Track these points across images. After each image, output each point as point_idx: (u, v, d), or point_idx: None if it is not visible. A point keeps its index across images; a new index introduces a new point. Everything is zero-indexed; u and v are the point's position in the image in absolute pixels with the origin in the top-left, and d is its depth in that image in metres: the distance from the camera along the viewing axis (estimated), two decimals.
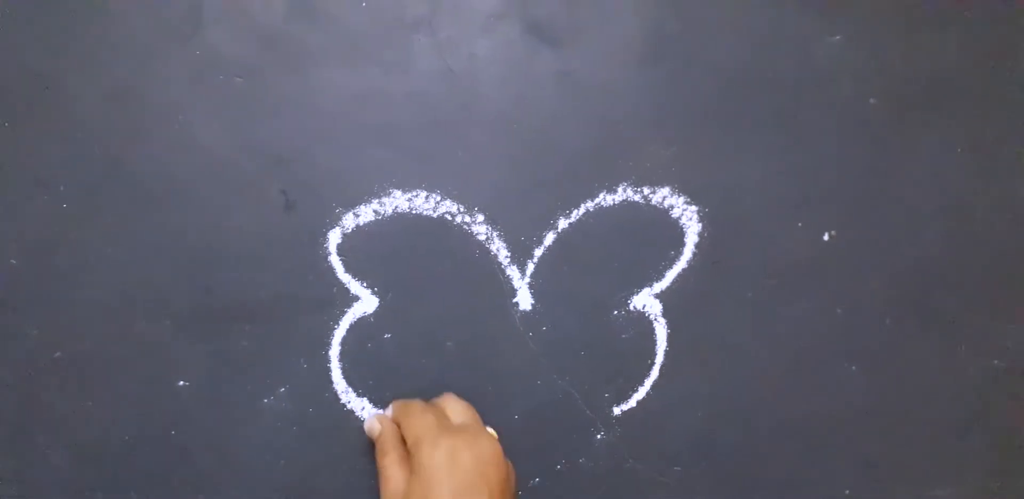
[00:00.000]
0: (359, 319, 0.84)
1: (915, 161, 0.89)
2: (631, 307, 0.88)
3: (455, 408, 0.76)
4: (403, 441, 0.74)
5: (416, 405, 0.76)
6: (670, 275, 0.88)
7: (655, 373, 0.88)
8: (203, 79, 0.81)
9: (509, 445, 0.80)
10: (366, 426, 0.80)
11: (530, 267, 0.86)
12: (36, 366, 0.82)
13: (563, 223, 0.87)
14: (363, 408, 0.82)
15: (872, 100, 0.87)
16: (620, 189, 0.87)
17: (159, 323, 0.82)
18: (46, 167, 0.81)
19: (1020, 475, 0.89)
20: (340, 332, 0.84)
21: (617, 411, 0.87)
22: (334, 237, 0.84)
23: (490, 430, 0.75)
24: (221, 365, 0.83)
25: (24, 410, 0.82)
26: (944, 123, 0.88)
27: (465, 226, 0.85)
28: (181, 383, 0.83)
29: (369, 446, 0.80)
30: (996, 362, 0.91)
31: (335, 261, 0.85)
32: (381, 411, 0.80)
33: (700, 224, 0.88)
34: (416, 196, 0.85)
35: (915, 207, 0.89)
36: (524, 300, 0.87)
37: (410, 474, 0.71)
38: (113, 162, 0.82)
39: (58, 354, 0.82)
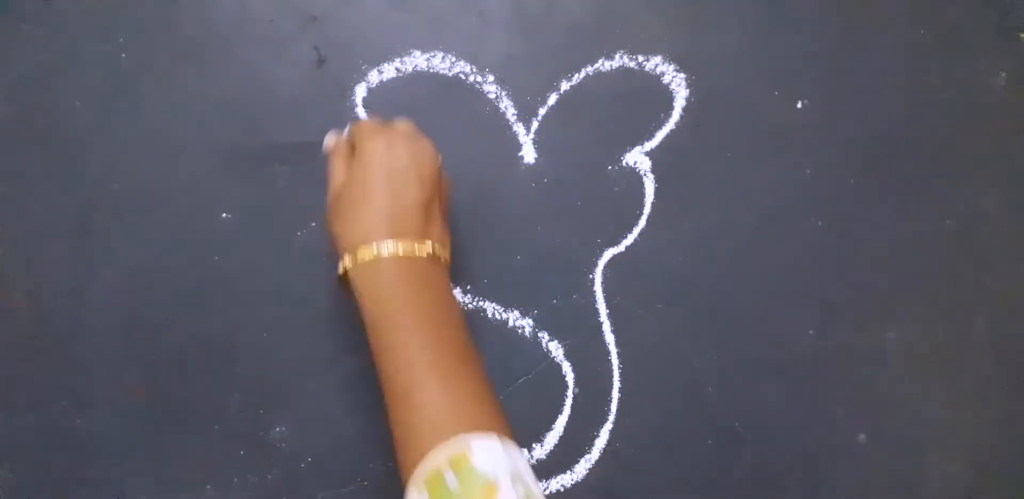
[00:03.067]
0: None
1: (883, 38, 0.98)
2: (623, 163, 0.97)
3: (401, 123, 0.77)
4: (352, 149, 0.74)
5: (366, 120, 0.78)
6: (659, 135, 0.97)
7: (643, 222, 0.97)
8: None
9: (511, 283, 0.94)
10: (324, 142, 0.81)
11: (534, 124, 0.95)
12: (95, 195, 0.93)
13: (565, 85, 0.95)
14: None
15: None
16: (617, 56, 0.96)
17: (206, 161, 0.93)
18: (105, 20, 0.92)
19: (962, 318, 1.00)
20: None
21: (608, 255, 0.96)
22: (360, 91, 0.93)
23: None
24: (260, 200, 0.93)
25: (83, 233, 0.93)
26: (912, 3, 0.98)
27: (477, 85, 0.94)
28: (224, 215, 0.92)
29: None
30: (948, 222, 0.99)
31: (361, 112, 0.94)
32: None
33: (688, 90, 0.97)
34: (434, 56, 0.94)
35: (881, 80, 0.98)
36: (528, 154, 0.96)
37: (349, 168, 0.72)
38: (164, 19, 0.92)
39: (116, 186, 0.92)
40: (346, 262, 0.69)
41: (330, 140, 0.81)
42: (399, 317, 0.69)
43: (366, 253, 0.70)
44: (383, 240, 0.70)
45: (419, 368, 0.68)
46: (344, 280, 0.73)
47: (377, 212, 0.70)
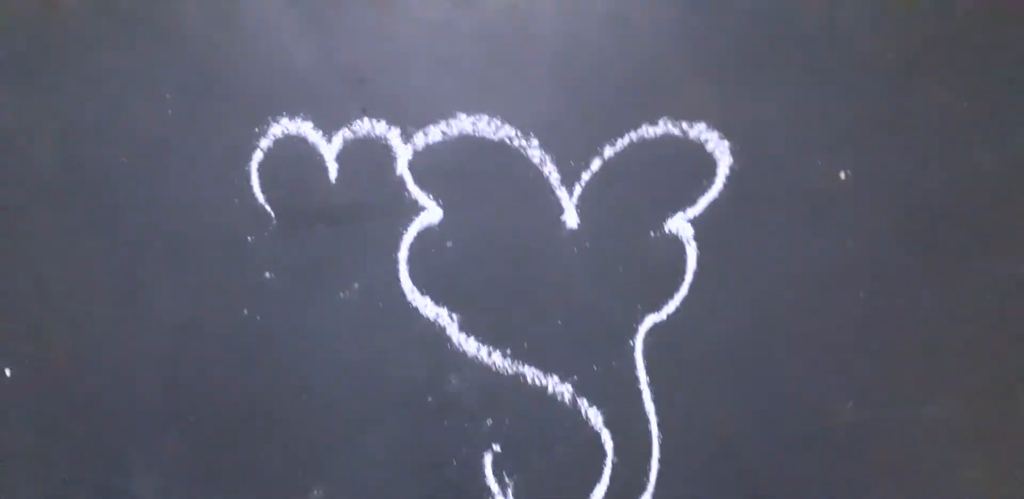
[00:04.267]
0: (425, 227, 0.93)
1: (924, 111, 0.97)
2: (666, 229, 0.96)
3: None
4: None
5: None
6: (702, 202, 0.96)
7: (685, 289, 0.96)
8: (297, 5, 0.91)
9: (552, 347, 0.93)
10: None
11: (578, 189, 0.95)
12: (139, 254, 0.94)
13: (609, 151, 0.95)
14: (426, 306, 0.91)
15: (889, 54, 0.95)
16: (661, 122, 0.95)
17: (250, 220, 0.93)
18: (155, 78, 0.91)
19: (1004, 391, 0.98)
20: (408, 238, 0.93)
21: (649, 321, 0.95)
22: (405, 153, 0.93)
23: None
24: (303, 261, 0.92)
25: (127, 291, 0.93)
26: (952, 77, 0.97)
27: (522, 149, 0.94)
28: (267, 274, 0.91)
29: (429, 339, 0.90)
30: (989, 294, 0.98)
31: (406, 175, 0.93)
32: (445, 310, 0.90)
33: (731, 157, 0.96)
34: (479, 120, 0.93)
35: (923, 150, 0.97)
36: (571, 218, 0.95)
37: None
38: (215, 76, 0.91)
39: (159, 244, 0.93)
40: None
41: None
42: None
43: None
44: None
45: None
46: None
47: None
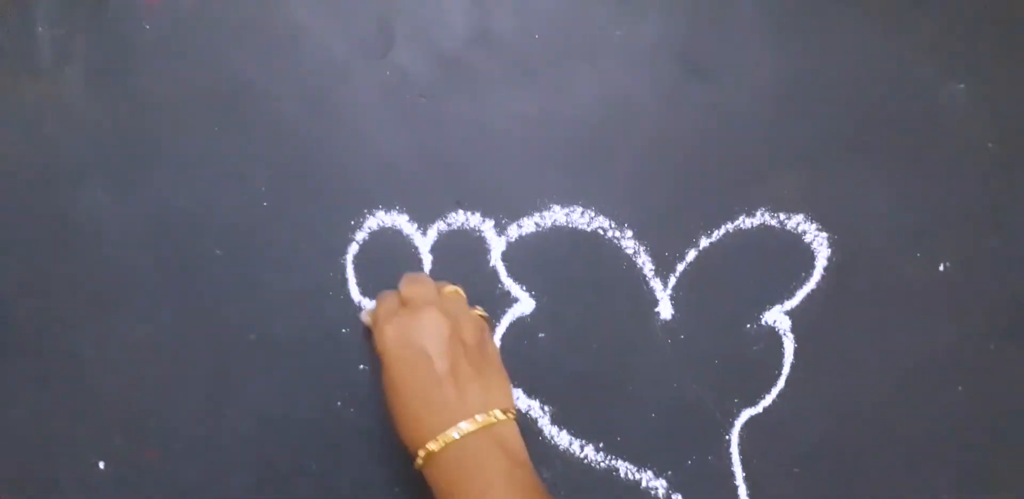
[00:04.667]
0: (517, 319, 0.94)
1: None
2: (762, 322, 0.95)
3: (414, 288, 0.81)
4: None
5: (393, 291, 0.83)
6: (800, 294, 0.96)
7: (781, 383, 0.96)
8: (390, 96, 0.93)
9: (645, 441, 0.93)
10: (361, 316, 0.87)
11: (672, 280, 0.95)
12: (232, 345, 0.95)
13: (704, 242, 0.95)
14: (518, 398, 0.90)
15: (990, 144, 0.94)
16: (758, 213, 0.95)
17: (343, 311, 0.95)
18: (249, 167, 0.93)
19: None
20: (501, 329, 0.94)
21: (745, 415, 0.94)
22: (498, 245, 0.93)
23: (477, 310, 0.85)
24: None
25: (218, 383, 0.95)
26: None
27: (615, 240, 0.94)
28: (361, 367, 0.93)
29: (522, 431, 0.86)
30: None
31: (499, 266, 0.94)
32: (537, 402, 0.93)
33: (829, 249, 0.95)
34: (573, 211, 0.94)
35: (1021, 244, 0.96)
36: (665, 310, 0.95)
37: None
38: (310, 168, 0.94)
39: (253, 336, 0.93)
40: (417, 463, 0.74)
41: (364, 317, 0.87)
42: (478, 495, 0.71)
43: (420, 454, 0.75)
44: (425, 443, 0.75)
45: None
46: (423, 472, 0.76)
47: (415, 413, 0.74)
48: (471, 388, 0.73)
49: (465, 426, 0.72)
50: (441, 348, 0.74)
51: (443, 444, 0.74)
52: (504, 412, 0.77)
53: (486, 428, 0.75)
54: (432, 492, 0.74)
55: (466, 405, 0.72)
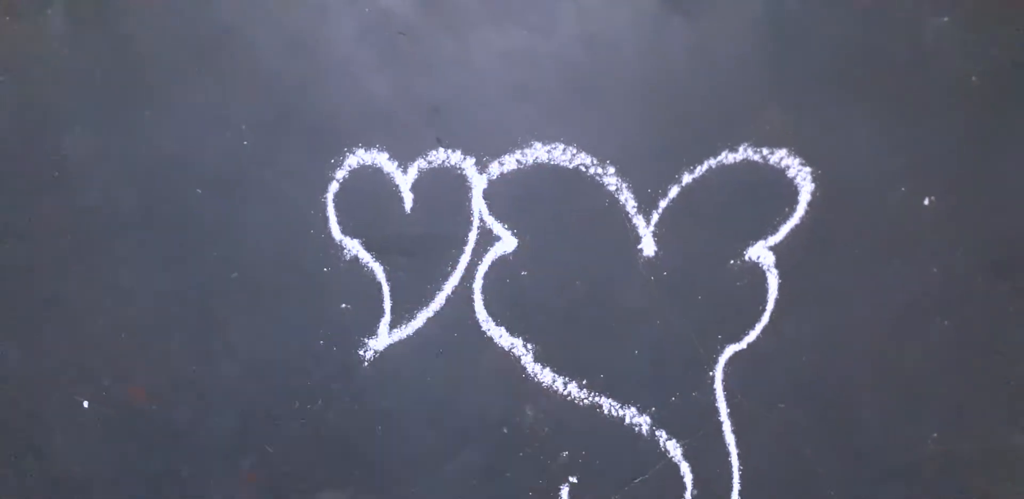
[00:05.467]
0: (500, 257, 0.93)
1: (1010, 136, 0.94)
2: (746, 257, 0.94)
3: None
4: None
5: None
6: (784, 229, 0.94)
7: (766, 318, 0.94)
8: (370, 34, 0.91)
9: (629, 378, 0.92)
10: None
11: (655, 217, 0.93)
12: (215, 285, 0.96)
13: (687, 178, 0.94)
14: (501, 336, 0.90)
15: (974, 78, 0.92)
16: (741, 149, 0.94)
17: (325, 250, 0.94)
18: (230, 108, 0.92)
19: None
20: (483, 268, 0.93)
21: (729, 351, 0.93)
22: (480, 182, 0.92)
23: None
24: (378, 291, 0.92)
25: (202, 323, 0.96)
26: None
27: (598, 177, 0.93)
28: (343, 305, 0.90)
29: (505, 369, 0.90)
30: None
31: (481, 204, 0.92)
32: (520, 340, 0.90)
33: (813, 184, 0.94)
34: (555, 148, 0.93)
35: (1009, 175, 0.94)
36: (648, 247, 0.94)
37: None
38: (291, 109, 0.92)
39: (235, 275, 0.92)
40: None
41: None
42: None
43: None
44: None
45: None
46: None
47: None
48: None
49: None
50: None
51: None
52: None
53: None
54: None
55: None
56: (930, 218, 0.95)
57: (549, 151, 0.91)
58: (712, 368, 0.93)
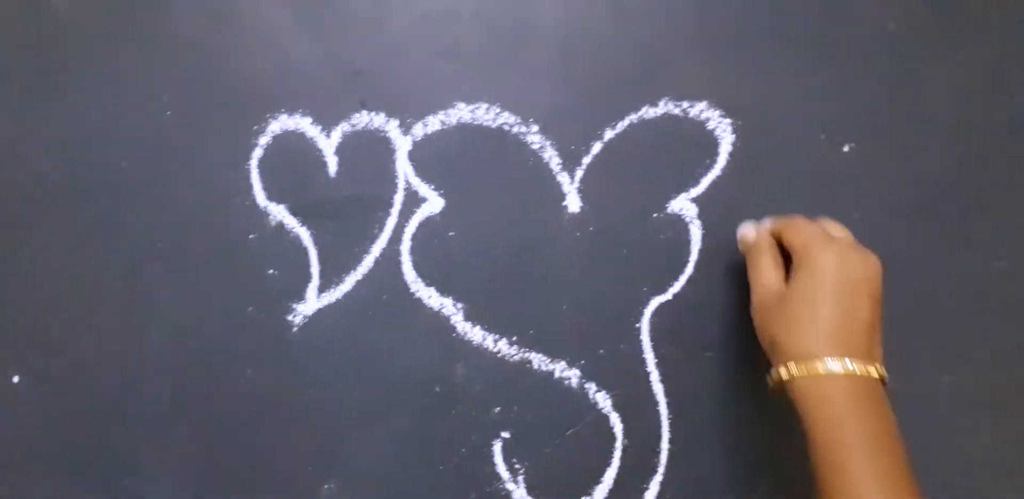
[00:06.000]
0: (427, 218, 0.94)
1: (930, 80, 0.97)
2: (669, 210, 0.96)
3: (835, 227, 0.81)
4: (778, 248, 0.79)
5: (800, 218, 0.81)
6: (705, 181, 0.96)
7: (690, 269, 0.97)
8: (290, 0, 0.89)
9: (557, 333, 0.93)
10: (740, 231, 0.88)
11: (579, 173, 0.95)
12: (141, 255, 0.96)
13: (609, 133, 0.95)
14: (430, 297, 0.92)
15: (891, 24, 0.94)
16: (661, 103, 0.95)
17: (252, 216, 0.95)
18: (150, 77, 0.92)
19: (1017, 360, 0.99)
20: (410, 229, 0.94)
21: (655, 303, 0.96)
22: (405, 144, 0.93)
23: None
24: (306, 256, 0.94)
25: (129, 293, 0.96)
26: (957, 48, 0.97)
27: (521, 136, 0.94)
28: (271, 272, 0.92)
29: (435, 329, 0.93)
30: (999, 263, 0.98)
31: (407, 165, 0.94)
32: (449, 299, 0.92)
33: (733, 135, 0.96)
34: (478, 108, 0.94)
35: (928, 121, 0.97)
36: (573, 203, 0.95)
37: (792, 274, 0.77)
38: (212, 75, 0.93)
39: (161, 244, 0.94)
40: (790, 370, 0.74)
41: (749, 231, 0.88)
42: (847, 438, 0.72)
43: (812, 367, 0.74)
44: (832, 357, 0.74)
45: (866, 494, 0.69)
46: (779, 384, 0.77)
47: (826, 329, 0.73)
48: (876, 340, 0.75)
49: (865, 368, 0.73)
50: (877, 297, 0.76)
51: (827, 370, 0.73)
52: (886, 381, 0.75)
53: (878, 383, 0.74)
54: (803, 407, 0.73)
55: (869, 351, 0.74)
56: (850, 165, 0.97)
57: (472, 111, 0.92)
58: (639, 320, 0.95)
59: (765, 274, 0.83)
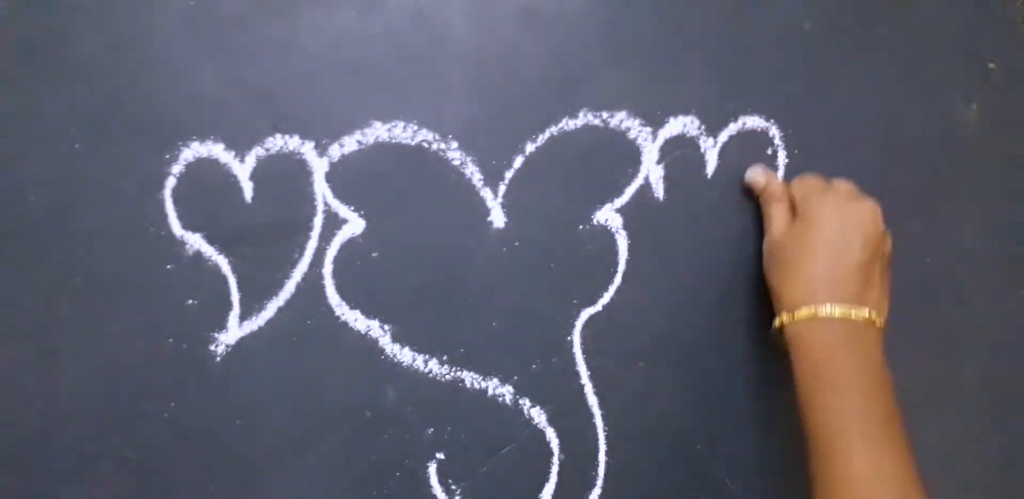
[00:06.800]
0: (348, 240, 0.93)
1: (852, 76, 0.98)
2: (594, 221, 0.96)
3: (841, 182, 0.87)
4: (789, 195, 0.84)
5: (808, 174, 0.89)
6: (628, 191, 0.97)
7: (618, 280, 0.97)
8: (196, 25, 0.90)
9: (488, 350, 0.93)
10: (748, 174, 0.94)
11: (502, 188, 0.95)
12: (57, 291, 0.93)
13: (530, 147, 0.95)
14: (356, 319, 0.90)
15: (807, 24, 0.94)
16: (581, 114, 0.95)
17: (167, 248, 0.93)
18: (55, 110, 0.90)
19: (949, 357, 1.01)
20: (332, 252, 0.93)
21: (585, 315, 0.96)
22: (321, 166, 0.92)
23: None
24: (225, 285, 0.92)
25: (46, 330, 0.93)
26: (876, 46, 0.98)
27: (441, 152, 0.93)
28: (190, 302, 0.90)
29: (363, 352, 0.92)
30: (928, 259, 1.00)
31: (324, 188, 0.92)
32: (376, 322, 0.91)
33: (654, 143, 0.93)
34: (395, 126, 0.93)
35: (851, 119, 0.99)
36: (497, 218, 0.95)
37: (791, 224, 0.83)
38: (117, 105, 0.90)
39: (78, 279, 0.92)
40: (782, 319, 0.79)
41: (758, 176, 0.92)
42: (832, 378, 0.76)
43: (799, 313, 0.78)
44: (823, 303, 0.78)
45: (848, 432, 0.73)
46: (779, 334, 0.80)
47: (818, 275, 0.79)
48: (875, 286, 0.81)
49: (852, 311, 0.78)
50: (870, 240, 0.81)
51: (814, 314, 0.78)
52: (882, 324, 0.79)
53: (867, 323, 0.79)
54: (792, 353, 0.79)
55: (860, 294, 0.78)
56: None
57: (389, 130, 0.91)
58: (570, 333, 0.95)
59: (773, 224, 0.88)
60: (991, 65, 0.96)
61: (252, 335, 0.92)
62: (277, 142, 0.90)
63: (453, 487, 0.88)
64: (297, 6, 0.90)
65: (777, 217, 0.84)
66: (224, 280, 0.92)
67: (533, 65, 0.93)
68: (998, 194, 0.97)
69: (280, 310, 0.91)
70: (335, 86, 0.93)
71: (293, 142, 0.90)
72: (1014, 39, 0.98)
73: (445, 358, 0.92)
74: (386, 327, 0.91)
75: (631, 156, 0.95)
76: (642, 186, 0.96)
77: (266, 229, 0.92)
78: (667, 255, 0.96)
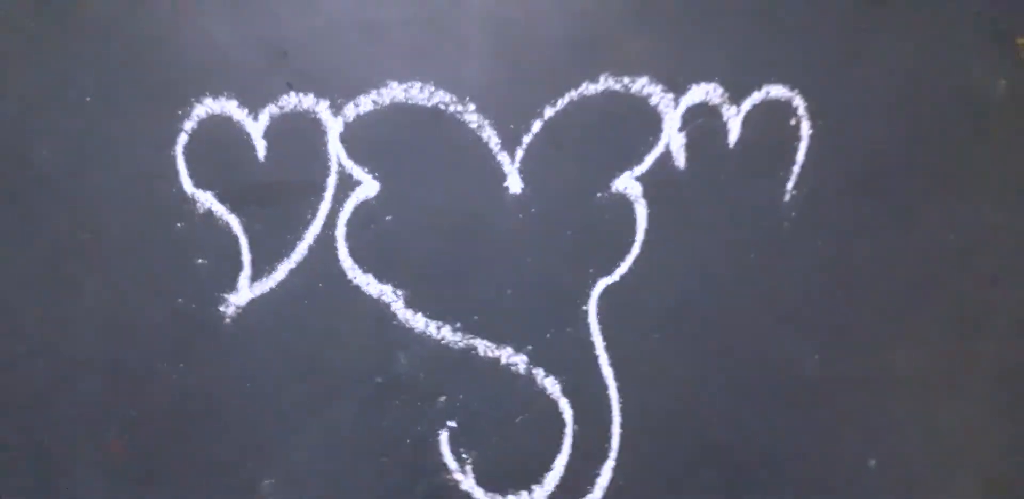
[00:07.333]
0: (362, 202, 0.90)
1: (879, 52, 0.95)
2: (613, 189, 0.93)
3: None
4: None
5: None
6: (649, 159, 0.93)
7: (636, 249, 0.94)
8: None
9: (502, 318, 0.90)
10: None
11: (519, 153, 0.91)
12: (66, 247, 0.92)
13: (549, 111, 0.91)
14: (368, 284, 0.87)
15: None
16: (602, 79, 0.91)
17: (177, 205, 0.91)
18: (71, 65, 0.89)
19: (970, 335, 0.97)
20: (345, 214, 0.90)
21: (601, 285, 0.93)
22: (336, 126, 0.88)
23: None
24: (235, 244, 0.89)
25: (55, 286, 0.92)
26: (904, 20, 0.95)
27: (458, 115, 0.90)
28: (200, 261, 0.87)
29: (374, 317, 0.90)
30: (950, 236, 0.97)
31: (338, 148, 0.89)
32: (389, 286, 0.87)
33: (676, 110, 0.90)
34: (411, 86, 0.90)
35: (877, 93, 0.95)
36: (514, 184, 0.92)
37: None
38: (130, 59, 0.89)
39: (86, 235, 0.90)
40: None
41: None
42: None
43: None
44: None
45: None
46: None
47: None
48: None
49: None
50: None
51: None
52: None
53: None
54: None
55: None
56: (801, 140, 0.95)
57: (406, 90, 0.89)
58: (585, 302, 0.93)
59: None
60: (1020, 41, 0.93)
61: (262, 297, 0.89)
62: (292, 100, 0.88)
63: (464, 456, 0.87)
64: None
65: None
66: (235, 240, 0.89)
67: (554, 27, 0.90)
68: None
69: (291, 272, 0.89)
70: (352, 45, 0.90)
71: (308, 100, 0.87)
72: None
73: (458, 325, 0.90)
74: (399, 292, 0.89)
75: (652, 123, 0.92)
76: (663, 154, 0.93)
77: (278, 189, 0.90)
78: (687, 225, 0.92)
